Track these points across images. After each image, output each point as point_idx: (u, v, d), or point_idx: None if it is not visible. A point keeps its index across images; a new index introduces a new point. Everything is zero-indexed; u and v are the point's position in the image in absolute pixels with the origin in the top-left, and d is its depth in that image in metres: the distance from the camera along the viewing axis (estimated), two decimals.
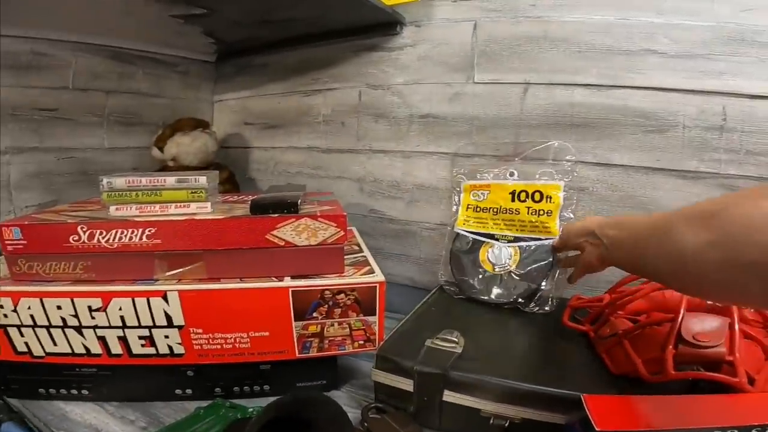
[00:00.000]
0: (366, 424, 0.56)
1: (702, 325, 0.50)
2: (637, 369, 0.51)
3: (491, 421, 0.54)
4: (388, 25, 0.88)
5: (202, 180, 0.62)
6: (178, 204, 0.60)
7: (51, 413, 0.58)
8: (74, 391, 0.60)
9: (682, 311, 0.50)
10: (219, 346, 0.56)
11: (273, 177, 1.08)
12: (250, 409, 0.57)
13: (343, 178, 0.98)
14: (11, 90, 0.84)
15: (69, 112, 0.93)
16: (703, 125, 0.70)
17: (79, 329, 0.54)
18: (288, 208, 0.59)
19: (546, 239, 0.73)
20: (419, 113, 0.88)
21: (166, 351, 0.56)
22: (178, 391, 0.61)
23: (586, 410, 0.40)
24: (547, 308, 0.71)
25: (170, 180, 0.59)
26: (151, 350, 0.56)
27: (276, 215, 0.58)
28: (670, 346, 0.48)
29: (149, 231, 0.54)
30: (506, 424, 0.53)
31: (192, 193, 0.62)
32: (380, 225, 0.96)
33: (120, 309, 0.53)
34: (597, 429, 0.37)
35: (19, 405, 0.62)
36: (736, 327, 0.48)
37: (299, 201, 0.60)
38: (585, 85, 0.76)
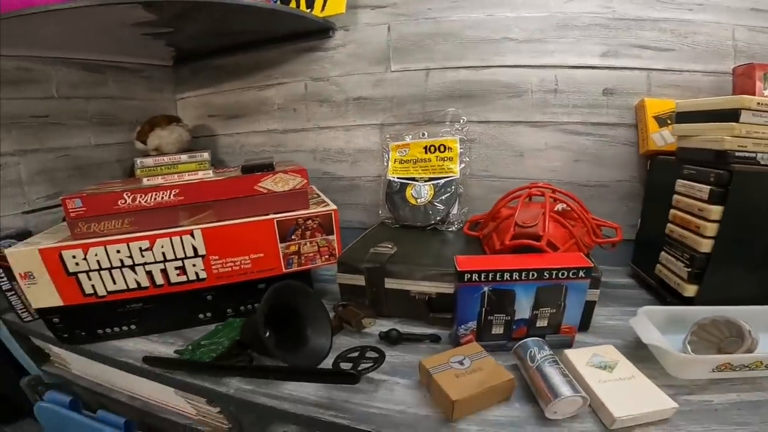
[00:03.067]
0: (335, 314, 0.79)
1: (527, 214, 0.78)
2: (495, 246, 0.78)
3: (416, 298, 0.78)
4: (324, 30, 1.07)
5: (206, 155, 0.86)
6: (190, 173, 0.82)
7: (110, 349, 0.74)
8: (125, 327, 0.77)
9: (518, 208, 0.78)
10: (230, 269, 0.78)
11: (240, 156, 1.27)
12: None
13: (299, 151, 1.20)
14: (10, 102, 0.96)
15: (58, 117, 1.04)
16: (543, 90, 0.98)
17: (132, 267, 0.72)
18: (267, 167, 0.81)
19: (451, 177, 1.01)
20: (353, 97, 1.11)
21: (194, 277, 0.76)
22: (201, 316, 0.81)
23: (455, 262, 0.65)
24: (455, 227, 0.99)
25: (184, 157, 0.82)
26: (184, 278, 0.76)
27: (260, 173, 0.79)
28: (511, 229, 0.76)
29: (175, 192, 0.74)
30: (426, 299, 0.77)
31: (199, 164, 0.85)
32: (332, 183, 1.19)
33: (162, 247, 0.73)
34: (459, 269, 0.63)
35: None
36: (547, 215, 0.75)
37: (274, 163, 0.84)
38: (467, 67, 1.02)
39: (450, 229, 0.99)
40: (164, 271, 0.75)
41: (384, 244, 0.85)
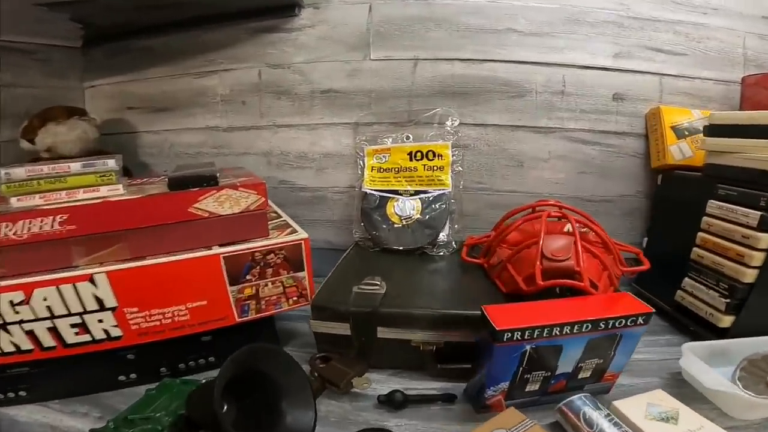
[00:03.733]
0: (316, 373, 0.61)
1: (556, 244, 0.64)
2: (518, 285, 0.63)
3: (421, 348, 0.63)
4: (287, 7, 0.90)
5: (111, 163, 0.61)
6: (87, 189, 0.58)
7: None
8: (11, 394, 0.56)
9: (542, 234, 0.64)
10: (158, 322, 0.57)
11: (169, 159, 1.03)
12: (203, 381, 0.57)
13: (248, 154, 0.98)
14: None
15: None
16: (549, 91, 0.88)
17: (4, 326, 0.50)
18: (207, 181, 0.60)
19: (441, 190, 0.85)
20: (321, 89, 0.93)
21: (103, 336, 0.55)
22: (121, 378, 0.60)
23: (487, 317, 0.50)
24: (447, 251, 0.83)
25: (75, 166, 0.56)
26: (86, 337, 0.54)
27: (196, 189, 0.59)
28: (538, 263, 0.62)
29: (61, 218, 0.51)
30: (433, 349, 0.63)
31: (101, 176, 0.60)
32: (292, 194, 0.99)
33: (45, 299, 0.51)
34: (497, 328, 0.48)
35: None
36: (579, 245, 0.62)
37: (218, 174, 0.62)
38: (463, 59, 0.88)
39: (441, 253, 0.83)
40: (54, 330, 0.53)
41: (370, 281, 0.68)
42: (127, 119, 1.06)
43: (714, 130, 0.72)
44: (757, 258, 0.62)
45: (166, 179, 0.60)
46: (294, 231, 0.65)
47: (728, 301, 0.66)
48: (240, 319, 0.61)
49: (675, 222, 0.81)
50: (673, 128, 0.84)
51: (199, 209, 0.58)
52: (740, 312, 0.66)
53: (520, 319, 0.50)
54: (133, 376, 0.60)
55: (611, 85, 0.87)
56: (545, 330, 0.50)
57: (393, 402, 0.57)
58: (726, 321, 0.67)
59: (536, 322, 0.50)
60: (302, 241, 0.63)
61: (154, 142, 1.04)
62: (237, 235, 0.61)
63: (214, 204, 0.59)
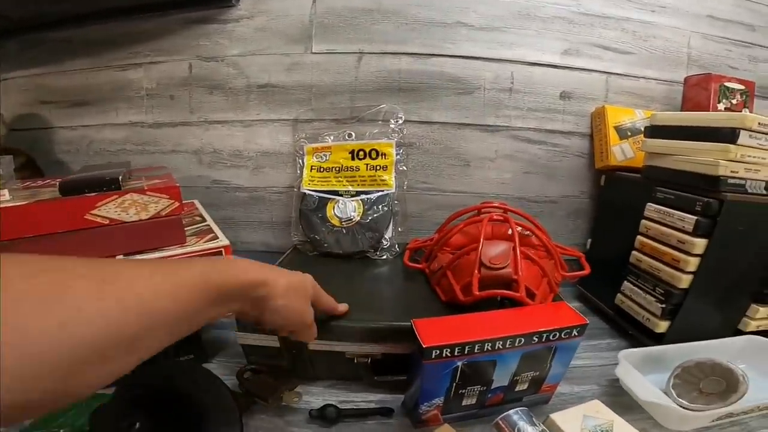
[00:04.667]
0: (244, 387, 0.56)
1: (495, 250, 0.61)
2: (455, 294, 0.60)
3: (355, 361, 0.59)
4: None
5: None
6: None
7: None
8: None
9: (481, 240, 0.61)
10: None
11: (89, 157, 0.94)
12: (113, 394, 0.53)
13: (177, 152, 0.90)
14: None
15: None
16: (497, 88, 0.85)
17: None
18: (107, 185, 0.54)
19: (384, 191, 0.80)
20: (258, 83, 0.86)
21: None
22: None
23: (416, 333, 0.47)
24: (390, 255, 0.79)
25: None
26: None
27: (94, 194, 0.52)
28: (476, 271, 0.58)
29: None
30: (368, 361, 0.59)
31: None
32: (226, 195, 0.92)
33: None
34: (424, 346, 0.45)
35: None
36: (518, 250, 0.59)
37: (120, 177, 0.55)
38: (411, 54, 0.84)
39: (384, 257, 0.79)
40: None
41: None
42: (41, 114, 0.95)
43: (655, 131, 0.71)
44: (692, 263, 0.62)
45: (57, 184, 0.53)
46: (215, 237, 0.59)
47: (664, 306, 0.66)
48: None
49: (617, 224, 0.80)
50: (617, 128, 0.83)
51: (98, 216, 0.52)
52: (675, 317, 0.66)
53: (451, 333, 0.47)
54: None
55: (559, 83, 0.86)
56: (476, 346, 0.47)
57: (326, 417, 0.54)
58: (662, 326, 0.67)
59: (468, 336, 0.47)
60: (222, 248, 0.57)
61: (72, 138, 0.94)
62: (147, 243, 0.55)
63: (116, 210, 0.53)
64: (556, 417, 0.53)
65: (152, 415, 0.47)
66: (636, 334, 0.72)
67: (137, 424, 0.45)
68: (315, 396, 0.58)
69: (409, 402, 0.56)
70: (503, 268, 0.59)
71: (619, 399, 0.56)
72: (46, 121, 0.94)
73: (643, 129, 0.82)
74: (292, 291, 0.42)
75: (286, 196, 0.90)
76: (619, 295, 0.75)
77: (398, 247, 0.80)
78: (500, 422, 0.50)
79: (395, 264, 0.77)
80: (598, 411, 0.54)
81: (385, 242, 0.79)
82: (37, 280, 0.23)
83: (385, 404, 0.57)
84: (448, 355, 0.46)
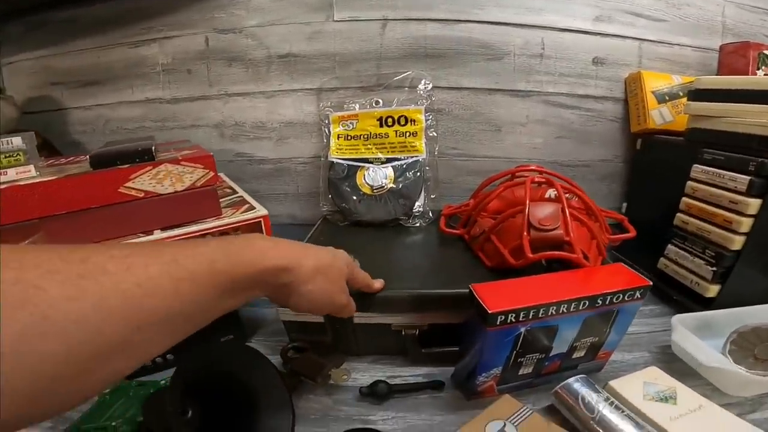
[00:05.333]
0: (289, 365, 0.54)
1: (543, 211, 0.58)
2: (505, 258, 0.58)
3: (403, 333, 0.56)
4: None
5: (17, 141, 0.51)
6: None
7: None
8: None
9: (527, 202, 0.58)
10: None
11: (105, 137, 0.91)
12: (162, 381, 0.51)
13: (198, 126, 0.87)
14: None
15: None
16: (528, 53, 0.82)
17: None
18: (140, 156, 0.51)
19: (415, 157, 0.78)
20: (278, 53, 0.83)
21: None
22: None
23: (478, 299, 0.44)
24: (424, 221, 0.76)
25: None
26: None
27: (126, 166, 0.49)
28: (525, 233, 0.56)
29: None
30: (416, 333, 0.56)
31: (6, 157, 0.49)
32: (250, 167, 0.89)
33: None
34: (489, 311, 0.42)
35: None
36: (567, 212, 0.57)
37: (153, 147, 0.53)
38: (437, 20, 0.80)
39: (417, 224, 0.77)
40: None
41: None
42: (53, 96, 0.92)
43: (699, 94, 0.69)
44: (746, 224, 0.60)
45: (88, 157, 0.50)
46: (251, 208, 0.57)
47: (715, 269, 0.63)
48: None
49: (656, 187, 0.78)
50: (654, 93, 0.81)
51: (133, 188, 0.49)
52: (726, 281, 0.63)
53: (512, 298, 0.44)
54: None
55: (591, 48, 0.83)
56: (540, 310, 0.44)
57: (376, 394, 0.52)
58: (712, 290, 0.64)
59: (530, 301, 0.44)
60: (261, 218, 0.55)
61: (86, 118, 0.91)
62: (183, 215, 0.52)
63: (151, 182, 0.50)
64: (615, 384, 0.51)
65: (203, 401, 0.46)
66: (681, 299, 0.69)
67: (189, 412, 0.43)
68: (361, 373, 0.57)
69: (462, 374, 0.54)
70: (554, 229, 0.57)
71: (673, 366, 0.54)
72: (58, 102, 0.91)
73: (681, 94, 0.81)
74: (320, 275, 0.37)
75: (312, 167, 0.88)
76: (662, 259, 0.73)
77: (431, 213, 0.78)
78: (560, 391, 0.49)
79: (429, 231, 0.75)
80: (657, 377, 0.52)
81: (417, 209, 0.77)
82: None
83: (433, 378, 0.55)
84: (513, 320, 0.44)
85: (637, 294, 0.48)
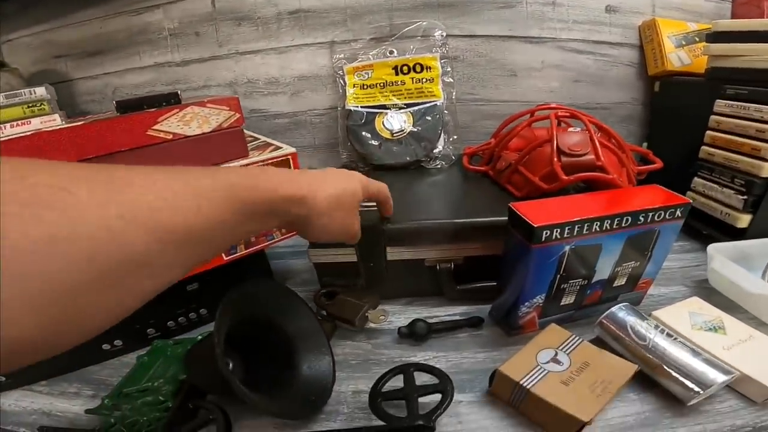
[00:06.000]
0: (324, 311, 0.53)
1: (572, 139, 0.58)
2: (536, 185, 0.57)
3: (438, 267, 0.55)
4: None
5: (41, 91, 0.50)
6: (15, 123, 0.47)
7: None
8: None
9: (554, 131, 0.58)
10: None
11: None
12: (198, 337, 0.50)
13: (210, 86, 0.86)
14: None
15: None
16: (540, 1, 0.81)
17: None
18: (167, 99, 0.50)
19: (433, 101, 0.77)
20: (288, 10, 0.81)
21: None
22: (106, 346, 0.51)
23: (520, 215, 0.43)
24: (446, 163, 0.77)
25: None
26: None
27: (153, 110, 0.48)
28: (555, 159, 0.56)
29: None
30: (451, 267, 0.55)
31: (29, 107, 0.48)
32: (265, 123, 0.88)
33: None
34: (535, 225, 0.41)
35: None
36: (596, 139, 0.57)
37: (178, 92, 0.52)
38: None
39: (438, 166, 0.77)
40: None
41: (366, 201, 0.59)
42: (57, 69, 0.89)
43: (718, 36, 0.70)
44: None
45: (114, 104, 0.49)
46: (278, 147, 0.56)
47: (745, 198, 0.63)
48: (228, 258, 0.52)
49: (676, 126, 0.79)
50: (670, 38, 0.81)
51: (161, 131, 0.48)
52: (757, 210, 0.63)
53: (555, 214, 0.43)
54: (118, 343, 0.51)
55: None
56: (585, 226, 0.44)
57: (416, 334, 0.51)
58: (744, 220, 0.64)
59: (574, 216, 0.43)
60: (290, 156, 0.54)
61: (94, 87, 0.89)
62: (211, 157, 0.51)
63: (178, 124, 0.49)
64: (660, 314, 0.51)
65: (243, 352, 0.46)
66: (711, 232, 0.69)
67: (230, 364, 0.44)
68: (396, 315, 0.56)
69: (502, 308, 0.53)
70: (585, 154, 0.56)
71: (711, 299, 0.53)
72: (63, 74, 0.89)
73: (697, 39, 0.82)
74: (336, 204, 0.36)
75: (328, 118, 0.87)
76: (689, 192, 0.73)
77: (453, 157, 0.78)
78: (605, 321, 0.48)
79: (451, 172, 0.75)
80: (702, 308, 0.52)
81: (438, 151, 0.77)
82: (29, 182, 0.18)
83: (472, 316, 0.54)
84: (558, 237, 0.43)
85: (678, 212, 0.48)
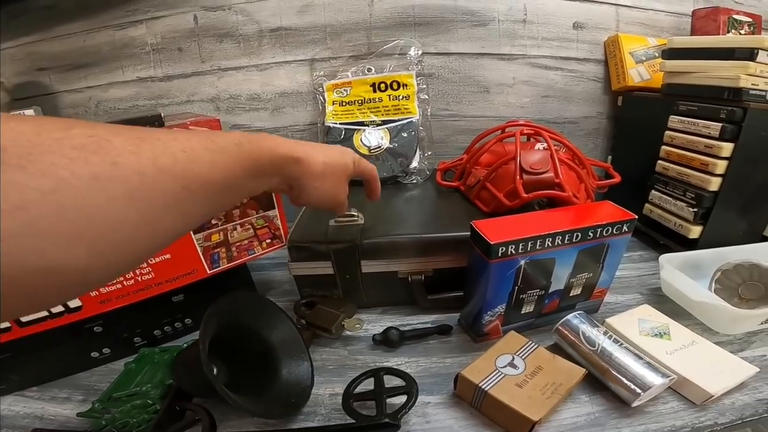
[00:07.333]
0: (303, 320, 0.56)
1: (534, 157, 0.62)
2: (501, 201, 0.61)
3: (410, 279, 0.59)
4: None
5: (29, 113, 0.51)
6: None
7: None
8: None
9: (518, 150, 0.62)
10: (119, 285, 0.49)
11: (98, 117, 0.91)
12: (184, 345, 0.53)
13: (192, 101, 0.88)
14: None
15: None
16: (511, 19, 0.85)
17: None
18: (150, 122, 0.53)
19: (409, 118, 0.81)
20: (269, 27, 0.83)
21: (59, 308, 0.47)
22: (94, 354, 0.53)
23: (479, 232, 0.47)
24: (420, 178, 0.80)
25: None
26: (41, 312, 0.46)
27: None
28: (518, 177, 0.60)
29: None
30: (422, 278, 0.59)
31: None
32: None
33: None
34: (491, 242, 0.45)
35: None
36: (555, 157, 0.61)
37: (161, 114, 0.54)
38: None
39: (414, 181, 0.80)
40: None
41: (346, 213, 0.62)
42: (41, 81, 0.90)
43: (673, 53, 0.74)
44: (720, 166, 0.64)
45: None
46: None
47: (696, 210, 0.68)
48: (211, 271, 0.55)
49: (637, 139, 0.83)
50: (632, 54, 0.85)
51: None
52: (707, 222, 0.68)
53: (511, 231, 0.48)
54: (106, 350, 0.54)
55: (571, 14, 0.86)
56: (538, 241, 0.48)
57: (389, 340, 0.55)
58: (695, 231, 0.69)
59: (527, 233, 0.47)
60: None
61: (77, 101, 0.90)
62: None
63: None
64: (612, 321, 0.55)
65: (226, 358, 0.48)
66: (667, 242, 0.74)
67: (214, 369, 0.46)
68: (371, 324, 0.59)
69: (467, 318, 0.57)
70: (545, 172, 0.60)
71: (663, 307, 0.58)
72: (47, 87, 0.90)
73: (656, 54, 0.86)
74: (330, 170, 0.40)
75: (309, 133, 0.89)
76: (647, 204, 0.78)
77: (428, 171, 0.82)
78: (561, 328, 0.52)
79: (426, 186, 0.78)
80: (650, 314, 0.56)
81: (414, 166, 0.81)
82: (73, 132, 0.21)
83: (442, 323, 0.58)
84: (513, 252, 0.47)
85: (625, 227, 0.52)
